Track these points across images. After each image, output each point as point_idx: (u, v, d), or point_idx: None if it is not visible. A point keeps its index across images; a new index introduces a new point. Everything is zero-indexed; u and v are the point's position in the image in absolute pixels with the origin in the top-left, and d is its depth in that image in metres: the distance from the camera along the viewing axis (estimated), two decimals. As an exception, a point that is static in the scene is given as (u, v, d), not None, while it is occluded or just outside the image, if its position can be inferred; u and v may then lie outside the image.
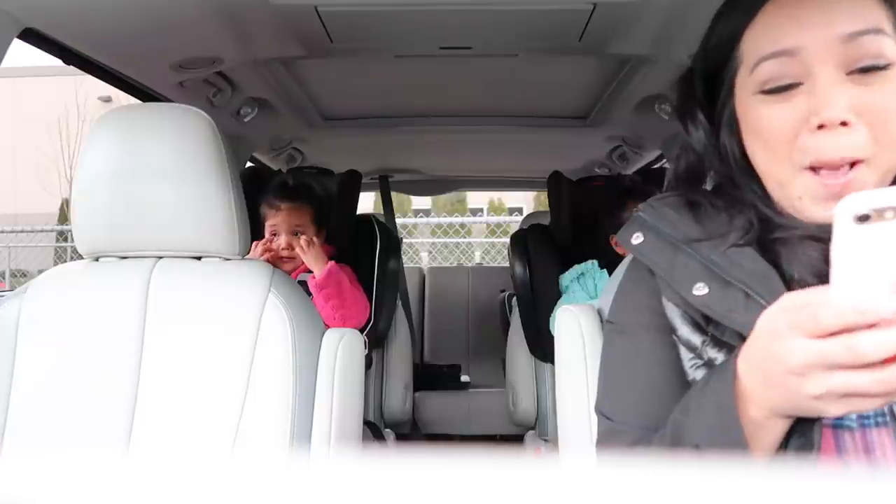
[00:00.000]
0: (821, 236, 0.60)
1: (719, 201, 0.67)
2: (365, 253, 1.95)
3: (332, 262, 1.64)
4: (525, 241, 2.05)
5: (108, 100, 12.39)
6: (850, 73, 0.57)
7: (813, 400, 0.47)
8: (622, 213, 1.73)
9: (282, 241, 1.71)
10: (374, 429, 1.96)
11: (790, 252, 0.61)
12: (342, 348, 1.02)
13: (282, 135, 2.19)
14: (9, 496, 0.22)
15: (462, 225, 7.25)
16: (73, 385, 0.99)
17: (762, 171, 0.63)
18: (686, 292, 0.62)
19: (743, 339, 0.57)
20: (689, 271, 0.63)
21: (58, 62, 1.29)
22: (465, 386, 2.88)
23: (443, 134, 2.28)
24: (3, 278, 8.16)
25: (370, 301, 1.81)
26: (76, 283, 1.05)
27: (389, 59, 1.57)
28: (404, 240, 3.78)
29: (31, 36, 1.15)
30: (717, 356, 0.62)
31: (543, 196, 4.44)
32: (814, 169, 0.58)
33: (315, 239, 1.68)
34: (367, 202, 4.89)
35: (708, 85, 0.69)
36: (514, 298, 2.14)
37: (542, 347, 2.03)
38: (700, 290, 0.61)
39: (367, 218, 2.06)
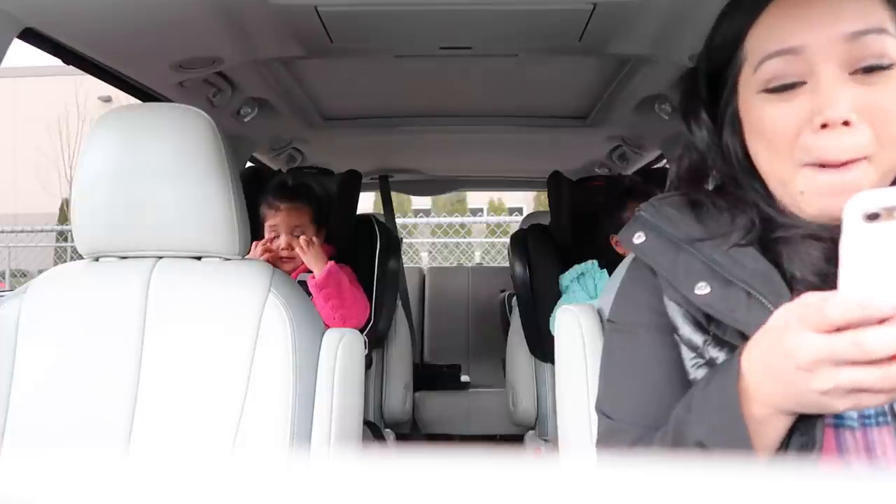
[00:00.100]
0: (822, 235, 0.60)
1: (721, 201, 0.67)
2: (365, 253, 1.95)
3: (331, 262, 1.64)
4: (525, 241, 2.05)
5: (108, 100, 12.39)
6: (854, 72, 0.57)
7: (820, 395, 0.47)
8: (622, 213, 1.73)
9: (281, 241, 1.71)
10: (374, 429, 1.96)
11: (792, 251, 0.61)
12: (342, 348, 1.02)
13: (282, 135, 2.19)
14: (9, 496, 0.22)
15: (462, 225, 7.25)
16: (73, 385, 0.99)
17: (764, 170, 0.64)
18: (688, 292, 0.62)
19: (744, 338, 0.57)
20: (691, 271, 0.63)
21: (58, 62, 1.29)
22: (465, 386, 2.88)
23: (443, 134, 2.28)
24: (3, 278, 8.16)
25: (370, 301, 1.81)
26: (76, 283, 1.05)
27: (389, 59, 1.57)
28: (404, 240, 3.78)
29: (31, 36, 1.15)
30: (719, 355, 0.62)
31: (543, 196, 4.44)
32: (815, 165, 0.58)
33: (315, 239, 1.68)
34: (367, 202, 4.89)
35: (710, 84, 0.69)
36: (514, 298, 2.14)
37: (542, 347, 2.03)
38: (702, 289, 0.61)
39: (367, 218, 2.06)
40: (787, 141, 0.59)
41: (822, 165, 0.58)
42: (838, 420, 0.56)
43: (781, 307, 0.51)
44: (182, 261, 1.05)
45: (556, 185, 2.01)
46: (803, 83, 0.59)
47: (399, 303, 2.32)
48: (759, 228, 0.63)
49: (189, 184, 1.00)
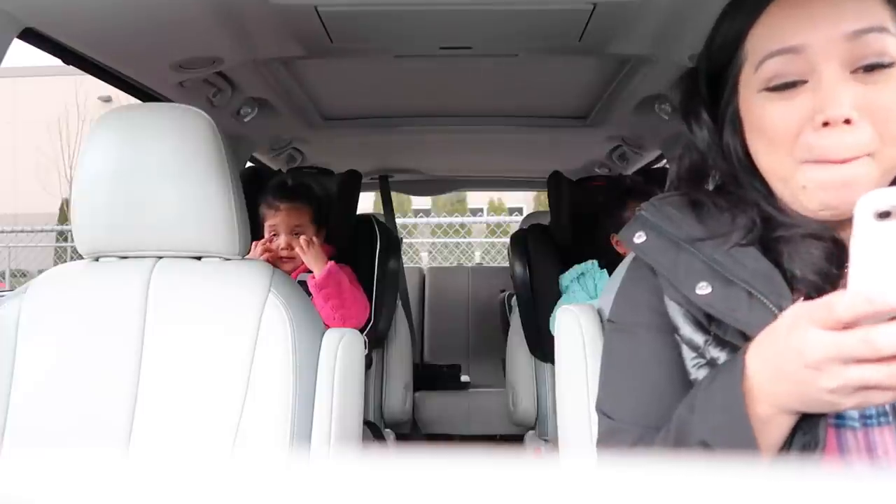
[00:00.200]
0: (823, 235, 0.60)
1: (722, 201, 0.67)
2: (365, 253, 1.95)
3: (331, 262, 1.64)
4: (525, 241, 2.05)
5: (108, 100, 12.39)
6: (855, 71, 0.58)
7: (827, 394, 0.47)
8: (623, 213, 1.73)
9: (281, 241, 1.71)
10: (374, 429, 1.96)
11: (793, 251, 0.61)
12: (342, 348, 1.02)
13: (282, 135, 2.19)
14: (9, 496, 0.22)
15: (462, 225, 7.25)
16: (73, 385, 0.99)
17: (765, 169, 0.64)
18: (689, 291, 0.62)
19: (746, 338, 0.57)
20: (692, 270, 0.63)
21: (58, 62, 1.29)
22: (465, 386, 2.88)
23: (443, 134, 2.28)
24: (3, 278, 8.16)
25: (370, 301, 1.81)
26: (76, 283, 1.05)
27: (389, 59, 1.57)
28: (404, 240, 3.78)
29: (31, 36, 1.15)
30: (720, 355, 0.62)
31: (543, 196, 4.44)
32: (816, 162, 0.58)
33: (315, 239, 1.68)
34: (367, 202, 4.89)
35: (711, 84, 0.69)
36: (514, 298, 2.14)
37: (542, 347, 2.03)
38: (703, 289, 0.61)
39: (367, 218, 2.06)
40: (788, 139, 0.59)
41: (824, 163, 0.58)
42: (840, 420, 0.56)
43: (789, 308, 0.51)
44: (182, 261, 1.05)
45: (556, 185, 2.01)
46: (804, 82, 0.59)
47: (399, 303, 2.32)
48: (760, 228, 0.63)
49: (189, 184, 1.00)
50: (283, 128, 2.09)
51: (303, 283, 1.58)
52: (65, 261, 5.37)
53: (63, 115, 13.16)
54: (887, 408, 0.56)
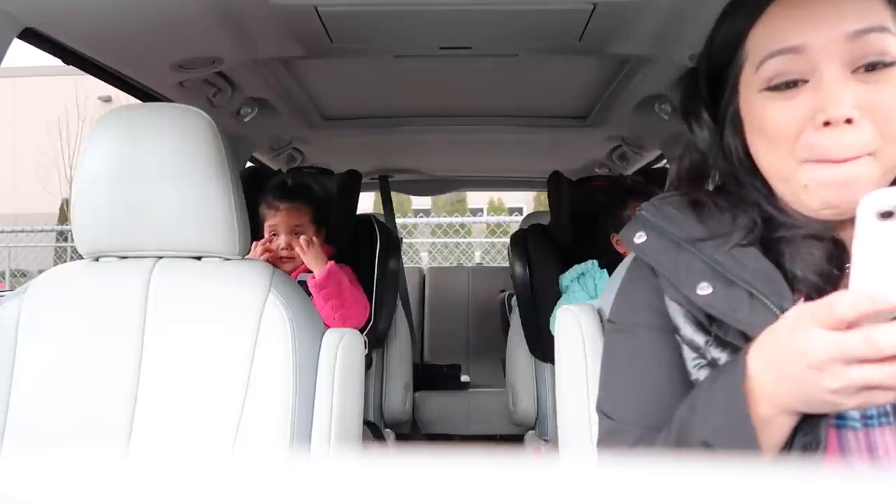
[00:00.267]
0: (824, 235, 0.60)
1: (722, 201, 0.67)
2: (365, 253, 1.95)
3: (331, 262, 1.64)
4: (525, 241, 2.05)
5: (108, 100, 12.39)
6: (855, 70, 0.58)
7: (830, 394, 0.47)
8: (623, 212, 1.73)
9: (281, 241, 1.71)
10: (374, 429, 1.96)
11: (794, 251, 0.61)
12: (342, 348, 1.02)
13: (282, 135, 2.19)
14: (9, 496, 0.22)
15: (462, 225, 7.25)
16: (73, 385, 0.99)
17: (766, 169, 0.64)
18: (690, 292, 0.62)
19: (747, 338, 0.57)
20: (693, 271, 0.63)
21: (58, 62, 1.29)
22: (465, 386, 2.88)
23: (443, 134, 2.28)
24: (3, 278, 8.16)
25: (370, 301, 1.81)
26: (76, 283, 1.05)
27: (389, 59, 1.57)
28: (404, 240, 3.78)
29: (31, 36, 1.15)
30: (721, 356, 0.62)
31: (543, 196, 4.44)
32: (817, 162, 0.58)
33: (315, 239, 1.68)
34: (367, 202, 4.88)
35: (711, 84, 0.69)
36: (514, 298, 2.14)
37: (542, 347, 2.03)
38: (704, 289, 0.61)
39: (367, 218, 2.06)
40: (789, 139, 0.59)
41: (825, 162, 0.58)
42: (840, 420, 0.56)
43: (791, 310, 0.51)
44: (182, 261, 1.05)
45: (556, 185, 2.01)
46: (805, 81, 0.59)
47: (399, 303, 2.32)
48: (761, 228, 0.63)
49: (189, 184, 1.00)
50: (283, 128, 2.09)
51: (303, 283, 1.58)
52: (65, 261, 5.37)
53: (63, 115, 13.16)
54: (888, 408, 0.56)
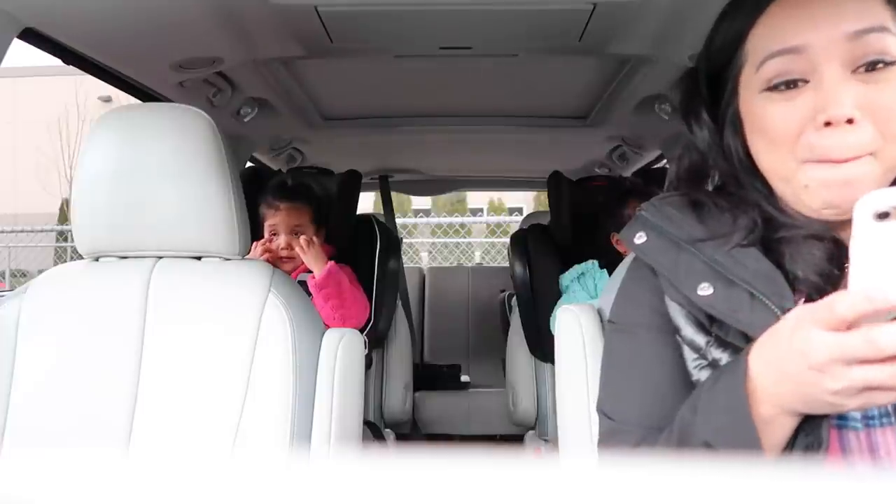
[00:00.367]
0: (824, 235, 0.60)
1: (722, 201, 0.67)
2: (365, 253, 1.95)
3: (331, 262, 1.64)
4: (525, 241, 2.05)
5: (108, 100, 12.39)
6: (856, 70, 0.58)
7: (831, 395, 0.47)
8: (623, 212, 1.73)
9: (281, 240, 1.71)
10: (374, 429, 1.96)
11: (794, 251, 0.61)
12: (342, 348, 1.02)
13: (282, 135, 2.19)
14: (9, 496, 0.22)
15: (462, 225, 7.25)
16: (73, 385, 0.99)
17: (766, 169, 0.64)
18: (690, 292, 0.62)
19: (747, 339, 0.57)
20: (694, 271, 0.63)
21: (58, 62, 1.29)
22: (465, 386, 2.88)
23: (443, 134, 2.28)
24: (3, 278, 8.16)
25: (370, 301, 1.81)
26: (76, 283, 1.05)
27: (389, 59, 1.57)
28: (404, 240, 3.78)
29: (31, 36, 1.15)
30: (722, 356, 0.62)
31: (543, 196, 4.44)
32: (818, 162, 0.58)
33: (315, 238, 1.68)
34: (367, 202, 4.88)
35: (711, 84, 0.69)
36: (514, 298, 2.14)
37: (542, 347, 2.03)
38: (704, 290, 0.61)
39: (367, 218, 2.06)
40: (789, 139, 0.59)
41: (825, 162, 0.58)
42: (842, 421, 0.56)
43: (792, 311, 0.51)
44: (182, 261, 1.05)
45: (556, 185, 2.01)
46: (806, 82, 0.59)
47: (399, 303, 2.32)
48: (762, 228, 0.63)
49: (189, 184, 1.00)
50: (283, 128, 2.09)
51: (303, 283, 1.58)
52: (65, 261, 5.37)
53: (63, 115, 13.16)
54: (889, 408, 0.56)
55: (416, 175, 2.93)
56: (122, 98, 1.56)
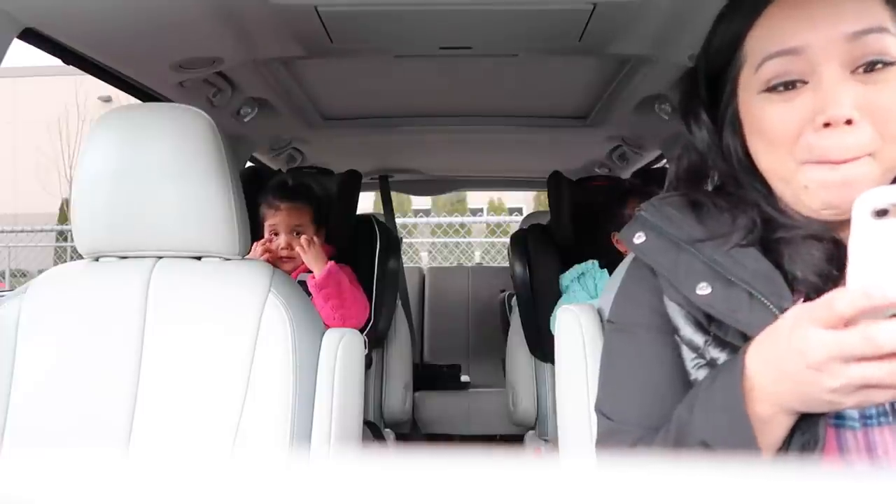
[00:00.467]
0: (823, 235, 0.60)
1: (722, 201, 0.67)
2: (365, 253, 1.95)
3: (331, 262, 1.64)
4: (525, 241, 2.05)
5: (108, 100, 12.39)
6: (854, 70, 0.58)
7: (829, 393, 0.47)
8: (623, 212, 1.73)
9: (281, 240, 1.71)
10: (374, 429, 1.96)
11: (793, 252, 0.61)
12: (342, 348, 1.02)
13: (282, 135, 2.19)
14: (9, 496, 0.22)
15: (462, 225, 7.25)
16: (73, 385, 0.99)
17: (765, 170, 0.64)
18: (689, 292, 0.62)
19: (746, 338, 0.57)
20: (692, 271, 0.63)
21: (58, 62, 1.29)
22: (465, 386, 2.88)
23: (443, 134, 2.28)
24: (3, 278, 8.15)
25: (370, 301, 1.81)
26: (76, 282, 1.05)
27: (389, 59, 1.57)
28: (404, 240, 3.78)
29: (31, 36, 1.15)
30: (720, 356, 0.62)
31: (543, 196, 4.44)
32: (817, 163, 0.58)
33: (315, 238, 1.68)
34: (367, 202, 4.88)
35: (710, 85, 0.69)
36: (514, 298, 2.14)
37: (542, 347, 2.03)
38: (703, 289, 0.61)
39: (367, 218, 2.06)
40: (788, 140, 0.59)
41: (825, 163, 0.58)
42: (839, 420, 0.56)
43: (790, 310, 0.51)
44: (182, 261, 1.05)
45: (556, 185, 2.01)
46: (804, 83, 0.59)
47: (399, 303, 2.32)
48: (761, 229, 0.63)
49: (189, 184, 1.00)
50: (283, 128, 2.09)
51: (302, 283, 1.58)
52: (65, 261, 5.37)
53: (63, 115, 13.16)
54: (887, 407, 0.56)
55: (416, 175, 2.93)
56: (122, 98, 1.56)
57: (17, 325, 1.02)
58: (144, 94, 1.52)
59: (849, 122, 0.56)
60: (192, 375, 0.98)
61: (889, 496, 0.20)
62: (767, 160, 0.63)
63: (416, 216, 8.19)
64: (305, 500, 0.21)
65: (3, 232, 8.37)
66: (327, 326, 1.07)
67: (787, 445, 0.54)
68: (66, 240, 8.42)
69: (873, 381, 0.45)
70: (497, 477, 0.21)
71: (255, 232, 1.47)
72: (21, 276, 8.41)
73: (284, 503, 0.21)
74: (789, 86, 0.60)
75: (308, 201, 1.77)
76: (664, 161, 2.31)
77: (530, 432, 2.18)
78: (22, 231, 8.29)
